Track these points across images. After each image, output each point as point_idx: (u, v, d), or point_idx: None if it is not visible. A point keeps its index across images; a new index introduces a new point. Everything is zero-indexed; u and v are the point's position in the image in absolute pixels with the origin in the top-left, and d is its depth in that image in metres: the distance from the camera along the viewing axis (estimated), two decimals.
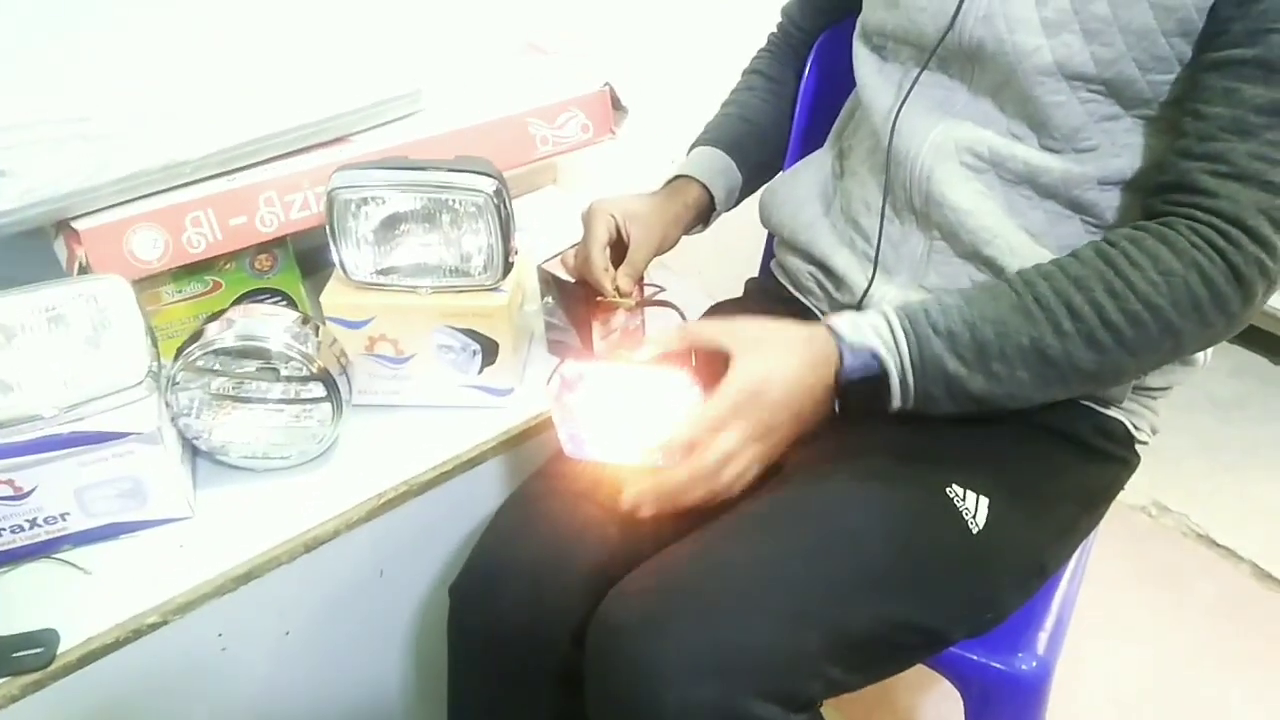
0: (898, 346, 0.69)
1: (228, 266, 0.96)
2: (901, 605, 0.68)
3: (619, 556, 0.73)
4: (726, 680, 0.61)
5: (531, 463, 0.93)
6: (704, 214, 0.97)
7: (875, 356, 0.69)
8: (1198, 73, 0.66)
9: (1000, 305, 0.68)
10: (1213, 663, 1.34)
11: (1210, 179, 0.64)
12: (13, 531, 0.81)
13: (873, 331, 0.70)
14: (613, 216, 0.90)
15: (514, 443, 0.94)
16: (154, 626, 0.78)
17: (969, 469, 0.73)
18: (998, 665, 0.82)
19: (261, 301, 0.98)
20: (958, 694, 0.86)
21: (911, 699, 1.30)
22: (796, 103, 1.04)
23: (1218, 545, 1.50)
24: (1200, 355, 0.82)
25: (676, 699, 0.61)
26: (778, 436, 0.70)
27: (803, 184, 0.93)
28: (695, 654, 0.62)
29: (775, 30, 1.06)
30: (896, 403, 0.71)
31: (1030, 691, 0.83)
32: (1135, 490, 1.56)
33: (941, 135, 0.76)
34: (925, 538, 0.70)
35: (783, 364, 0.69)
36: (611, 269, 0.90)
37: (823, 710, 0.71)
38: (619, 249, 0.91)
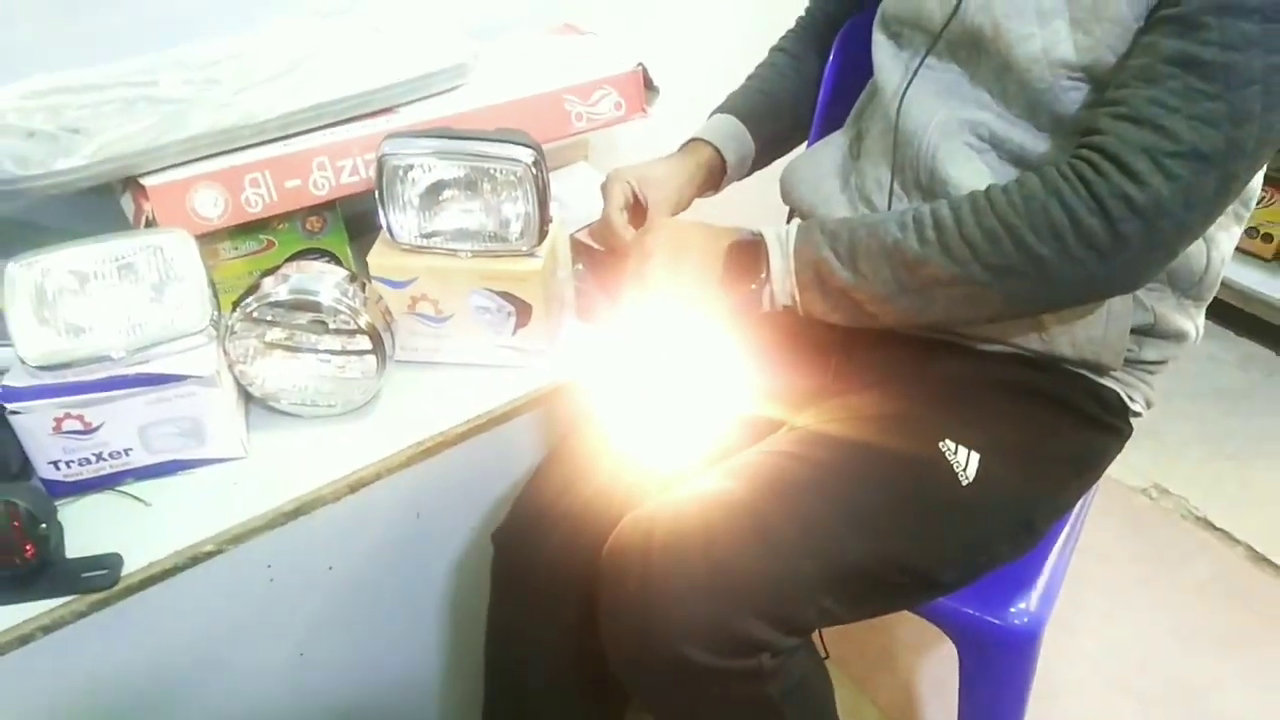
0: (783, 233, 0.80)
1: (281, 226, 1.02)
2: (891, 545, 0.74)
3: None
4: (726, 600, 0.68)
5: (560, 421, 1.00)
6: (716, 176, 1.03)
7: (761, 234, 0.80)
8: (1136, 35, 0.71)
9: (885, 218, 0.76)
10: (1204, 640, 1.39)
11: (1108, 120, 0.69)
12: (80, 464, 0.88)
13: (774, 231, 0.81)
14: (629, 182, 0.96)
15: (544, 401, 1.00)
16: (209, 555, 0.85)
17: (962, 426, 0.79)
18: (992, 619, 0.88)
19: (313, 260, 1.04)
20: (955, 658, 0.92)
21: (911, 659, 1.36)
22: (819, 83, 1.09)
23: (1215, 528, 1.55)
24: (1191, 329, 0.87)
25: (680, 616, 0.67)
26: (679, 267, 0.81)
27: (822, 163, 0.98)
28: (698, 576, 0.68)
29: (803, 14, 1.11)
30: (779, 290, 0.79)
31: (1022, 644, 0.89)
32: (1137, 473, 1.63)
33: (946, 116, 0.82)
34: (916, 486, 0.76)
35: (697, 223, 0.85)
36: (631, 230, 0.95)
37: (827, 667, 0.77)
38: (639, 213, 0.97)
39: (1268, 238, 1.92)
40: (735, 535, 0.71)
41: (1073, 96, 0.76)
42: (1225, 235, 0.85)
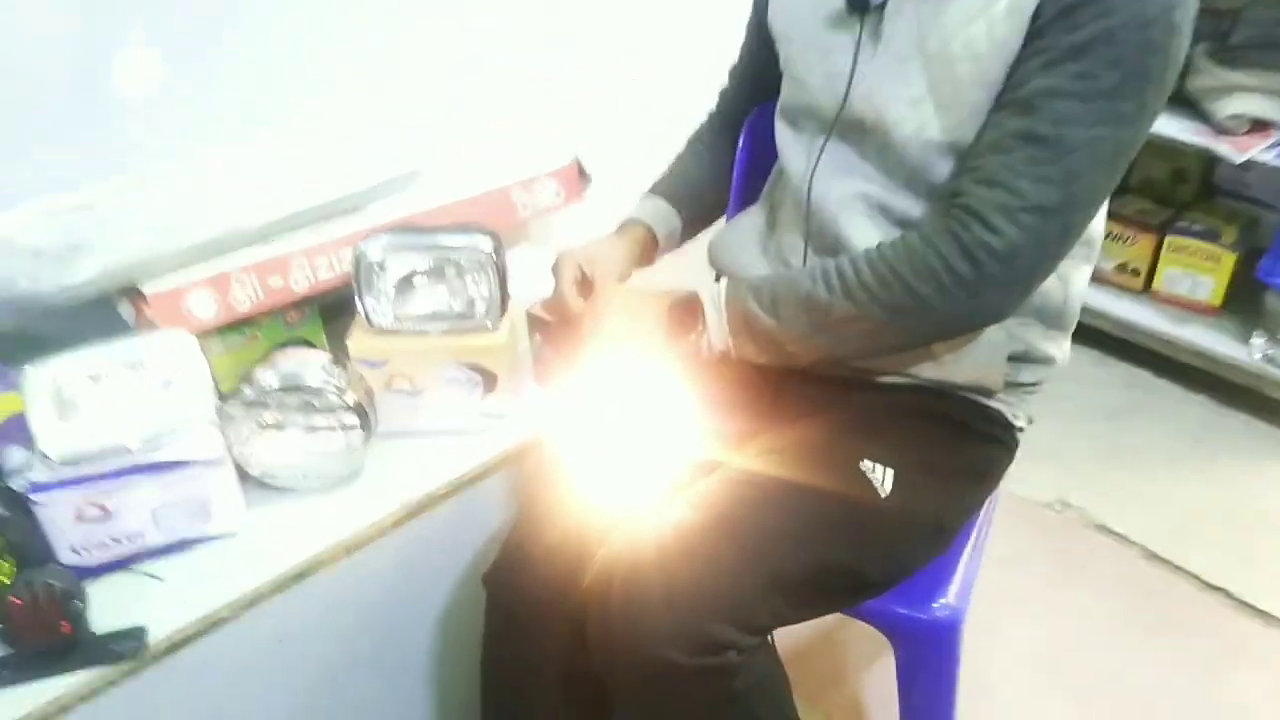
0: (715, 291, 0.96)
1: (264, 321, 1.13)
2: (826, 553, 0.88)
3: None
4: (695, 609, 0.80)
5: (530, 473, 1.12)
6: (650, 251, 1.17)
7: (697, 293, 0.96)
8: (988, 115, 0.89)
9: (799, 273, 0.94)
10: (1111, 630, 1.56)
11: (970, 184, 0.87)
12: (98, 548, 0.96)
13: (706, 288, 0.96)
14: (577, 262, 1.10)
15: (513, 458, 1.12)
16: (224, 620, 0.94)
17: (878, 449, 0.94)
18: (919, 614, 1.02)
19: (296, 348, 1.15)
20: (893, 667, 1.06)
21: (857, 675, 1.49)
22: (732, 166, 1.25)
23: (1112, 532, 1.73)
24: (1058, 354, 1.04)
25: (659, 626, 0.79)
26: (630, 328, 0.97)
27: (743, 233, 1.14)
28: (671, 591, 0.81)
29: (714, 108, 1.28)
30: (715, 337, 0.95)
31: (946, 633, 1.03)
32: (1043, 489, 1.80)
33: (843, 191, 0.98)
34: (843, 501, 0.90)
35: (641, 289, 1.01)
36: (583, 301, 1.08)
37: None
38: (586, 287, 1.11)
39: (1135, 272, 2.16)
40: (697, 555, 0.84)
41: (941, 167, 0.93)
42: (1077, 273, 1.02)
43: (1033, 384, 1.05)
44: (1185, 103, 1.94)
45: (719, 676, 0.82)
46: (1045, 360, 1.03)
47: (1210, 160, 1.87)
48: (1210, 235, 2.05)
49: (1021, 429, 1.07)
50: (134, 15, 1.08)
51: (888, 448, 0.95)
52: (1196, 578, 1.64)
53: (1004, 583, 1.62)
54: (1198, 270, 2.07)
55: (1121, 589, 1.63)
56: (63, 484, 0.93)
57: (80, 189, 1.06)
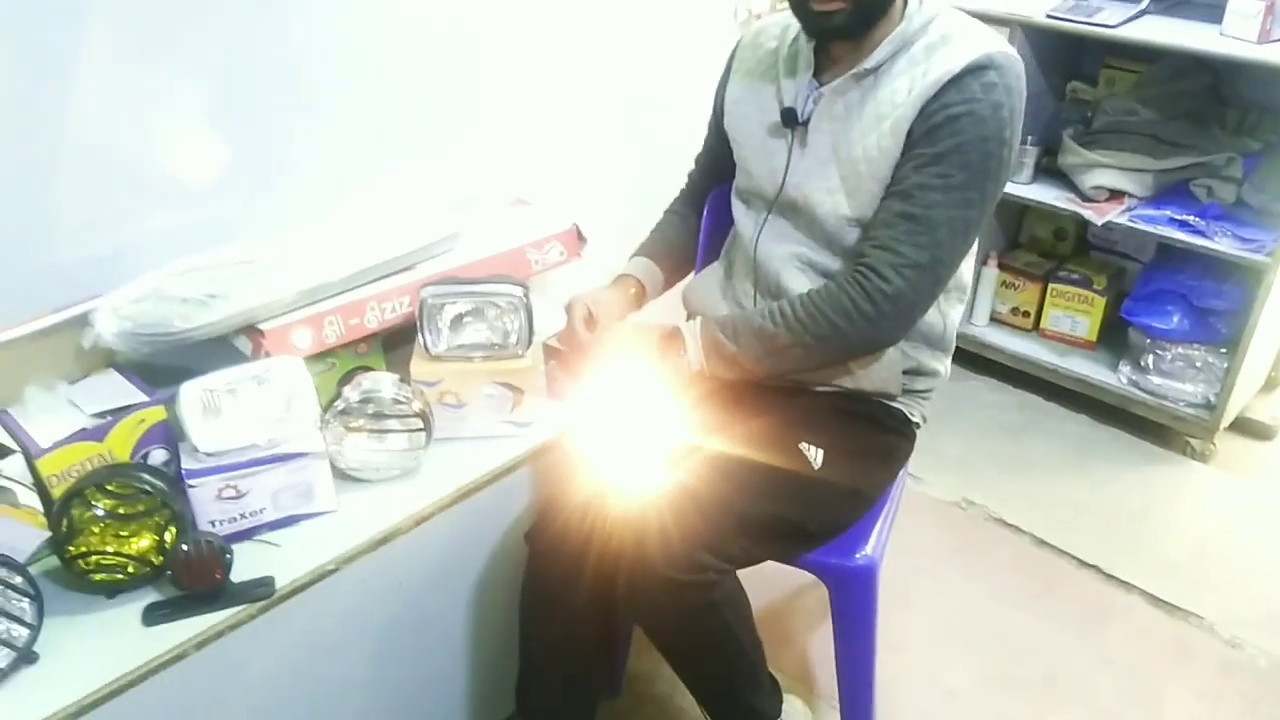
0: (693, 325, 1.31)
1: (341, 352, 1.46)
2: (776, 506, 1.24)
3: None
4: (686, 543, 1.15)
5: (550, 465, 1.45)
6: (640, 299, 1.51)
7: (679, 328, 1.31)
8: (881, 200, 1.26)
9: (753, 312, 1.31)
10: (1005, 602, 1.92)
11: (868, 248, 1.24)
12: (229, 521, 1.27)
13: (686, 323, 1.31)
14: (585, 304, 1.45)
15: (537, 455, 1.45)
16: (330, 572, 1.24)
17: (813, 433, 1.30)
18: (847, 562, 1.37)
19: (369, 372, 1.48)
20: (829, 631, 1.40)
21: (804, 636, 1.83)
22: (699, 231, 1.62)
23: (1008, 524, 2.11)
24: (942, 369, 1.42)
25: (662, 554, 1.14)
26: (630, 354, 1.31)
27: (708, 284, 1.51)
28: (669, 532, 1.16)
29: (684, 186, 1.65)
30: (694, 359, 1.30)
31: (866, 574, 1.38)
32: (951, 491, 2.18)
33: (782, 251, 1.35)
34: (787, 471, 1.26)
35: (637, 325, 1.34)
36: (589, 335, 1.43)
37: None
38: (591, 323, 1.45)
39: (1026, 314, 2.58)
40: (685, 507, 1.19)
41: (851, 235, 1.31)
42: (953, 310, 1.40)
43: (925, 390, 1.43)
44: (1059, 175, 2.38)
45: (701, 590, 1.16)
46: (933, 373, 1.41)
47: (1084, 221, 2.29)
48: (1085, 283, 2.48)
49: (918, 425, 1.44)
50: (245, 127, 1.43)
51: (819, 434, 1.31)
52: (1074, 558, 2.02)
53: (919, 565, 1.99)
54: (1076, 312, 2.50)
55: (1014, 568, 2.01)
56: (209, 471, 1.23)
57: (211, 253, 1.40)
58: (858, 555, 1.37)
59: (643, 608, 1.20)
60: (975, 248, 1.37)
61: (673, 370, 1.31)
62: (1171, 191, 2.26)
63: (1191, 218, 2.15)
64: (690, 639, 1.23)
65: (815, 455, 1.29)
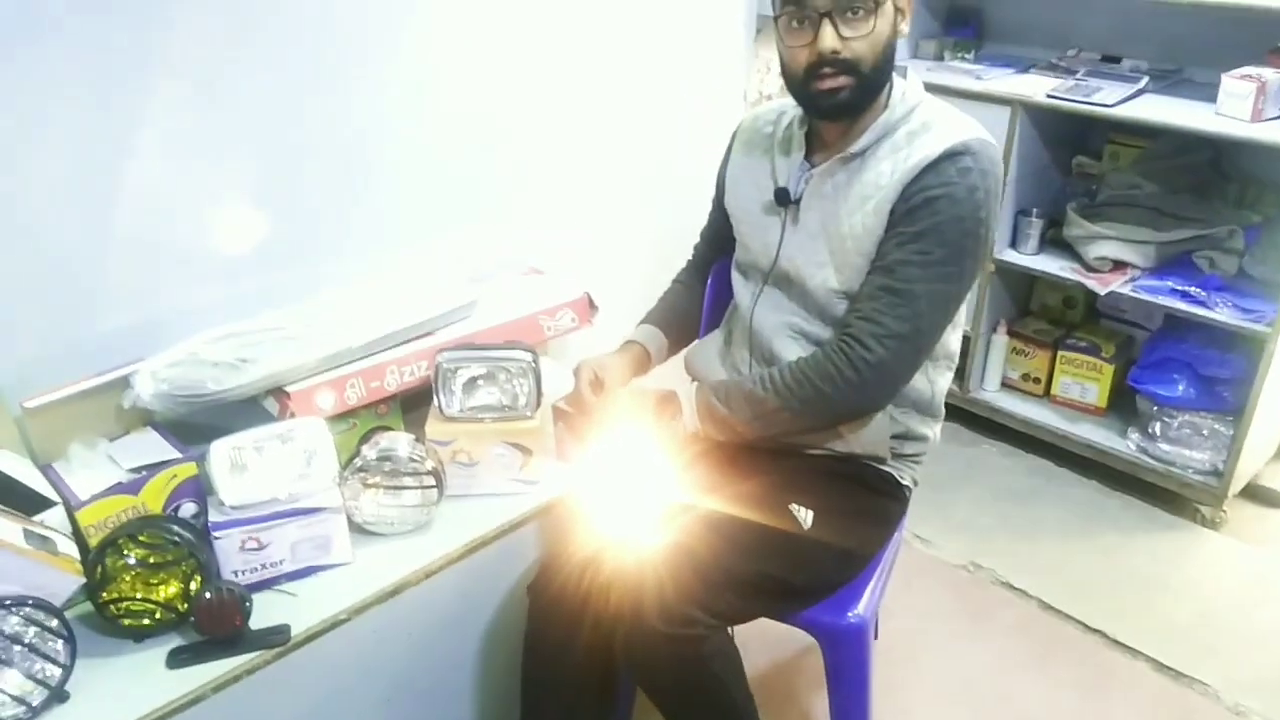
0: (690, 390, 1.39)
1: (362, 412, 1.55)
2: (764, 565, 1.29)
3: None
4: (678, 599, 1.21)
5: (555, 521, 1.52)
6: (645, 364, 1.59)
7: (675, 392, 1.38)
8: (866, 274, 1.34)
9: (745, 379, 1.38)
10: (1010, 664, 1.94)
11: (853, 319, 1.32)
12: (250, 572, 1.36)
13: (682, 388, 1.38)
14: (593, 369, 1.53)
15: (543, 512, 1.52)
16: (343, 621, 1.32)
17: (803, 494, 1.36)
18: (839, 620, 1.41)
19: (387, 432, 1.57)
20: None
21: (806, 696, 1.86)
22: (703, 300, 1.70)
23: (1014, 588, 2.13)
24: (930, 434, 1.47)
25: (655, 609, 1.20)
26: (630, 418, 1.39)
27: (709, 350, 1.58)
28: (663, 588, 1.22)
29: (690, 257, 1.74)
30: (689, 422, 1.37)
31: (858, 633, 1.42)
32: (959, 554, 2.21)
33: (775, 321, 1.43)
34: (778, 531, 1.32)
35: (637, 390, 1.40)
36: (595, 399, 1.51)
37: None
38: (598, 386, 1.53)
39: (1036, 380, 2.62)
40: (678, 565, 1.25)
41: (840, 306, 1.39)
42: (941, 378, 1.46)
43: (915, 455, 1.48)
44: (1064, 246, 2.44)
45: (692, 643, 1.22)
46: (921, 438, 1.47)
47: (1094, 290, 2.34)
48: (1094, 350, 2.52)
49: (909, 488, 1.49)
50: (277, 207, 1.55)
51: (809, 496, 1.37)
52: (1080, 623, 2.04)
53: (925, 627, 2.02)
54: (1085, 379, 2.54)
55: (1020, 632, 2.02)
56: (233, 523, 1.32)
57: (243, 320, 1.51)
58: (850, 614, 1.42)
59: (637, 660, 1.26)
60: (962, 319, 1.45)
61: (669, 432, 1.38)
62: (1174, 263, 2.32)
63: (1193, 288, 2.20)
64: (682, 692, 1.28)
65: (805, 516, 1.35)
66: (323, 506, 1.36)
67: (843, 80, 1.28)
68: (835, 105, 1.31)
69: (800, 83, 1.32)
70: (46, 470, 1.35)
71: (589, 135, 2.00)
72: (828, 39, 1.25)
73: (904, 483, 1.48)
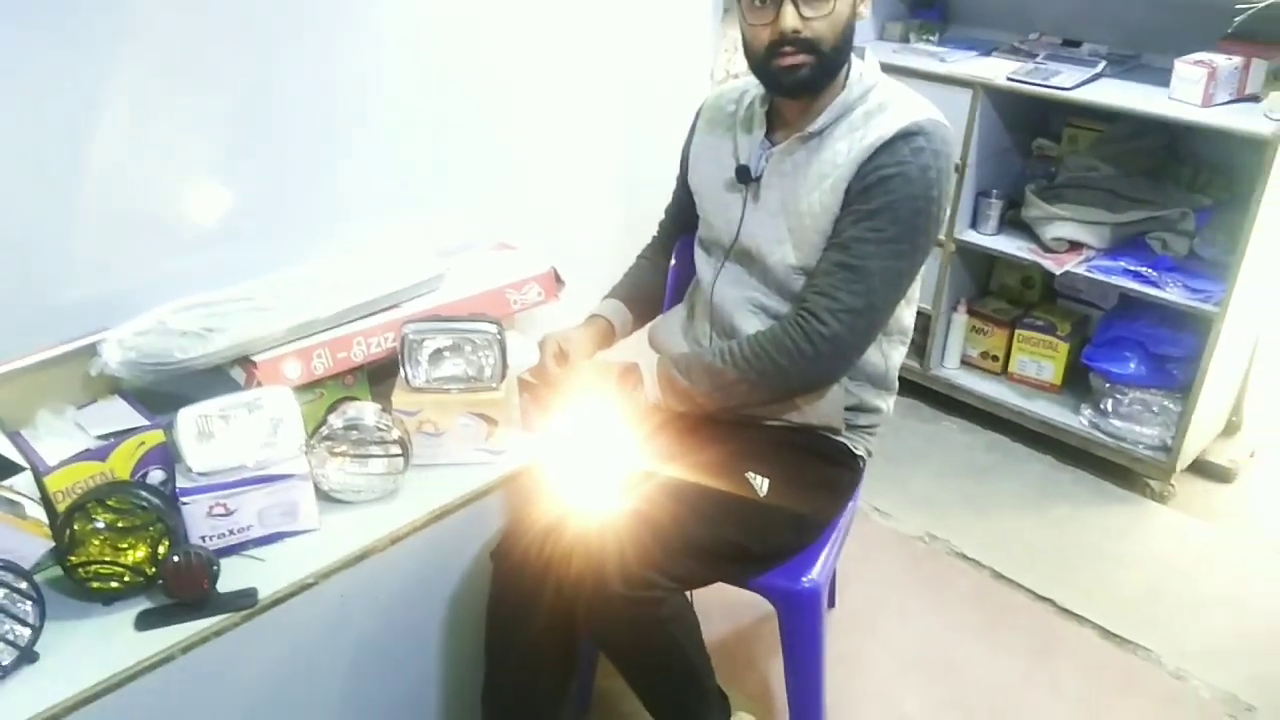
0: (652, 363, 1.42)
1: (328, 383, 1.57)
2: (722, 531, 1.34)
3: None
4: (638, 563, 1.25)
5: (519, 491, 1.56)
6: (609, 337, 1.63)
7: (637, 364, 1.42)
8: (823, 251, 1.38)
9: (705, 350, 1.42)
10: (963, 632, 2.00)
11: (809, 294, 1.36)
12: (219, 537, 1.38)
13: (646, 360, 1.42)
14: (557, 342, 1.56)
15: (508, 481, 1.55)
16: (309, 585, 1.34)
17: (758, 463, 1.40)
18: (794, 585, 1.46)
19: (353, 402, 1.59)
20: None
21: (764, 664, 1.91)
22: (666, 276, 1.74)
23: (969, 559, 2.20)
24: (884, 406, 1.52)
25: (615, 573, 1.24)
26: (593, 389, 1.43)
27: (672, 323, 1.62)
28: (624, 553, 1.25)
29: (655, 234, 1.77)
30: (650, 393, 1.41)
31: (811, 597, 1.47)
32: (915, 526, 2.27)
33: (736, 295, 1.47)
34: (734, 498, 1.36)
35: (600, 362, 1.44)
36: (559, 371, 1.54)
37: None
38: (562, 359, 1.56)
39: (995, 358, 2.68)
40: (638, 530, 1.29)
41: (798, 282, 1.42)
42: (895, 352, 1.51)
43: (869, 426, 1.53)
44: (1023, 227, 2.50)
45: (649, 605, 1.26)
46: (875, 410, 1.52)
47: (1050, 270, 2.40)
48: (1050, 329, 2.59)
49: (863, 458, 1.54)
50: (245, 179, 1.57)
51: (766, 465, 1.41)
52: (1031, 591, 2.11)
53: (882, 595, 2.08)
54: (1041, 357, 2.60)
55: (973, 600, 2.09)
56: (201, 489, 1.34)
57: (210, 291, 1.52)
58: (804, 579, 1.46)
59: (598, 622, 1.30)
60: (916, 294, 1.49)
61: (630, 403, 1.42)
62: (1128, 244, 2.38)
63: (1145, 269, 2.26)
64: (640, 652, 1.32)
65: (761, 484, 1.39)
66: (289, 474, 1.39)
67: (802, 58, 1.31)
68: (795, 83, 1.35)
69: (761, 60, 1.35)
70: (14, 437, 1.36)
71: (558, 113, 2.02)
72: (789, 18, 1.29)
73: (858, 453, 1.52)
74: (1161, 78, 2.23)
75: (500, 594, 1.41)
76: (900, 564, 2.17)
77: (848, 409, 1.47)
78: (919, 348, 2.68)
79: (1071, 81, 2.25)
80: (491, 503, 1.54)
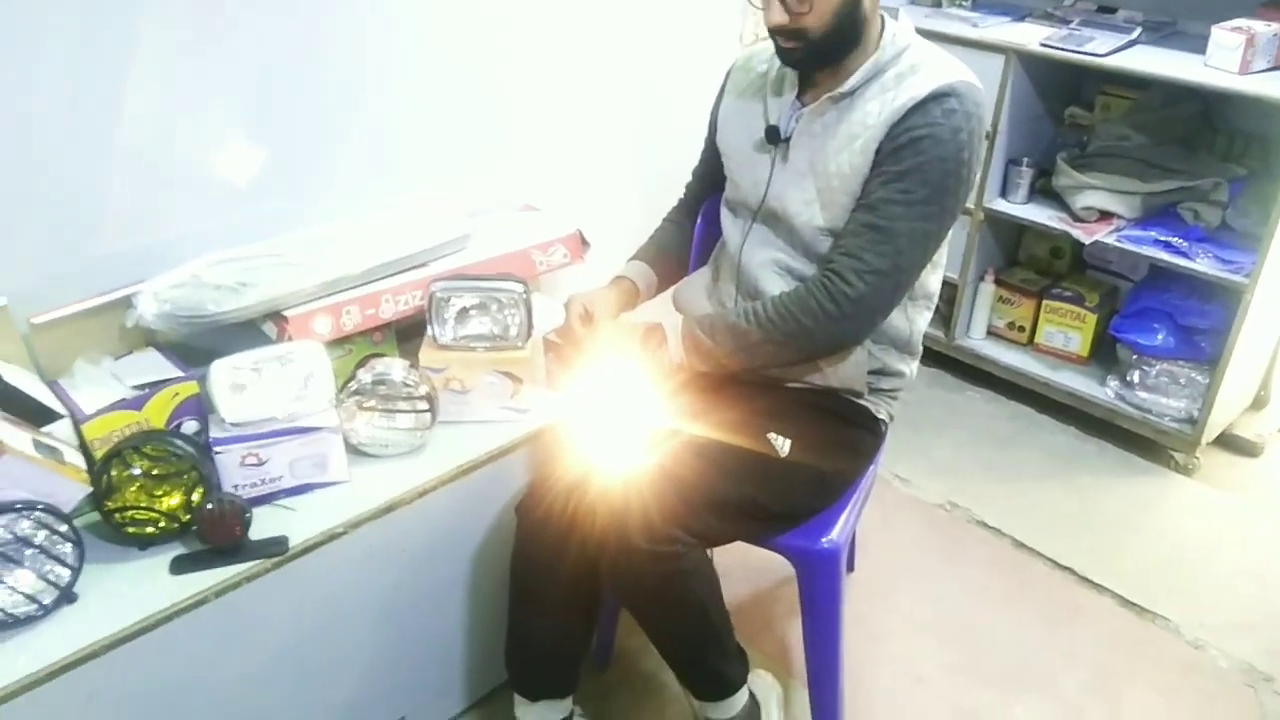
0: (674, 322, 1.42)
1: (357, 339, 1.60)
2: (744, 489, 1.35)
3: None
4: (658, 518, 1.27)
5: (543, 449, 1.58)
6: (634, 299, 1.64)
7: (661, 324, 1.43)
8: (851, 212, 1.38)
9: (729, 311, 1.42)
10: (979, 597, 2.01)
11: (836, 254, 1.36)
12: (251, 487, 1.41)
13: (669, 320, 1.43)
14: (582, 302, 1.57)
15: (531, 440, 1.57)
16: (339, 534, 1.38)
17: (782, 423, 1.41)
18: (814, 546, 1.47)
19: (381, 358, 1.61)
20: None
21: (782, 625, 1.93)
22: (692, 238, 1.74)
23: (989, 526, 2.20)
24: (907, 371, 1.53)
25: (638, 527, 1.26)
26: (617, 349, 1.44)
27: (696, 285, 1.63)
28: (646, 506, 1.27)
29: (681, 195, 1.77)
30: (674, 354, 1.41)
31: (830, 557, 1.48)
32: (936, 494, 2.28)
33: (763, 257, 1.47)
34: (756, 457, 1.37)
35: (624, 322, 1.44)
36: (585, 331, 1.55)
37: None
38: (587, 320, 1.57)
39: (1021, 329, 2.67)
40: (661, 483, 1.31)
41: (825, 243, 1.43)
42: (920, 316, 1.51)
43: (891, 390, 1.53)
44: (1053, 196, 2.48)
45: (670, 560, 1.28)
46: (898, 374, 1.52)
47: (1079, 240, 2.38)
48: (1078, 300, 2.57)
49: (884, 422, 1.55)
50: (278, 137, 1.58)
51: (788, 426, 1.42)
52: (1051, 560, 2.11)
53: (902, 561, 2.09)
54: (1068, 328, 2.58)
55: (992, 568, 2.10)
56: (234, 440, 1.37)
57: (244, 246, 1.54)
58: (824, 539, 1.48)
59: (620, 576, 1.32)
60: (943, 260, 1.49)
61: (654, 363, 1.43)
62: (1160, 214, 2.35)
63: (1176, 239, 2.24)
64: (661, 606, 1.35)
65: (783, 444, 1.40)
66: (320, 426, 1.41)
67: (793, 44, 1.34)
68: (793, 64, 1.39)
69: (772, 37, 1.38)
70: (53, 385, 1.39)
71: (586, 75, 2.02)
72: (774, 14, 1.32)
73: (880, 416, 1.53)
74: (1198, 44, 2.19)
75: (524, 549, 1.44)
76: (920, 531, 2.18)
77: (871, 372, 1.48)
78: (944, 318, 2.67)
79: (1106, 48, 2.22)
80: (516, 460, 1.57)
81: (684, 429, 1.42)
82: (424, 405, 1.50)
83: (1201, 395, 2.31)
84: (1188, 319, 2.32)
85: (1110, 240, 2.32)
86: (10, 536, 1.19)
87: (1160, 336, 2.34)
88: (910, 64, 1.36)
